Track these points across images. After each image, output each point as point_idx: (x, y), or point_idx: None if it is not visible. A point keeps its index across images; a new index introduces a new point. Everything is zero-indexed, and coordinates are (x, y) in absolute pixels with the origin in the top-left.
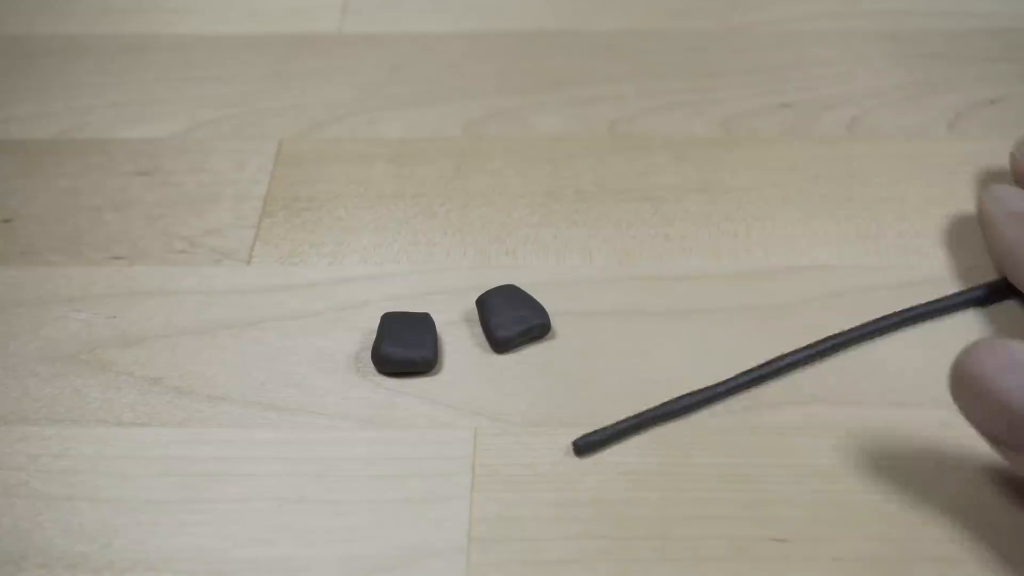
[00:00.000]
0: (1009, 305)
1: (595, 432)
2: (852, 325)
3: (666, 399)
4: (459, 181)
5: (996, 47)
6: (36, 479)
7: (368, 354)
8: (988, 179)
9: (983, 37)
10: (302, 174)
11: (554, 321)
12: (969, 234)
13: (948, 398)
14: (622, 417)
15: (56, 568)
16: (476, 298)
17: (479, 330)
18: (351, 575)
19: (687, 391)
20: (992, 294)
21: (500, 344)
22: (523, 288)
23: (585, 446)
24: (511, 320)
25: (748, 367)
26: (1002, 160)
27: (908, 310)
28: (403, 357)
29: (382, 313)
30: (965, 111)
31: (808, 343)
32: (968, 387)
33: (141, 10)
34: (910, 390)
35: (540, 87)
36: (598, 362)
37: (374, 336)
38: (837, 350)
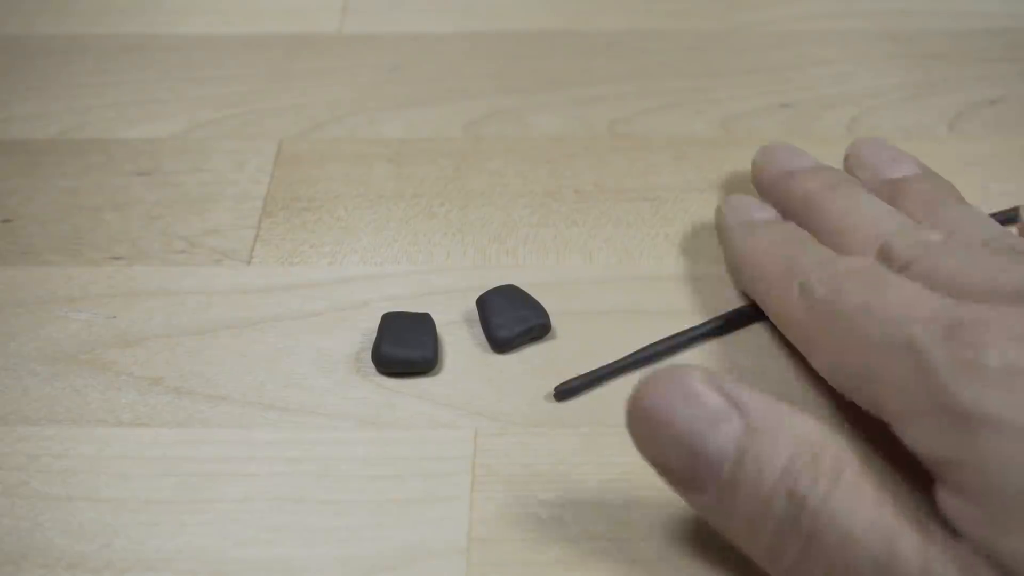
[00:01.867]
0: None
1: (575, 378)
2: None
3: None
4: (459, 181)
5: (996, 47)
6: (36, 479)
7: (368, 354)
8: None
9: (983, 37)
10: (302, 174)
11: (554, 321)
12: None
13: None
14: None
15: (56, 568)
16: (476, 298)
17: (479, 330)
18: (351, 575)
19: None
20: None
21: (500, 344)
22: (523, 288)
23: (565, 392)
24: (511, 320)
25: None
26: (1002, 161)
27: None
28: (403, 357)
29: (382, 313)
30: (965, 111)
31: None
32: (642, 421)
33: (141, 10)
34: None
35: (540, 87)
36: (598, 362)
37: (374, 336)
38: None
